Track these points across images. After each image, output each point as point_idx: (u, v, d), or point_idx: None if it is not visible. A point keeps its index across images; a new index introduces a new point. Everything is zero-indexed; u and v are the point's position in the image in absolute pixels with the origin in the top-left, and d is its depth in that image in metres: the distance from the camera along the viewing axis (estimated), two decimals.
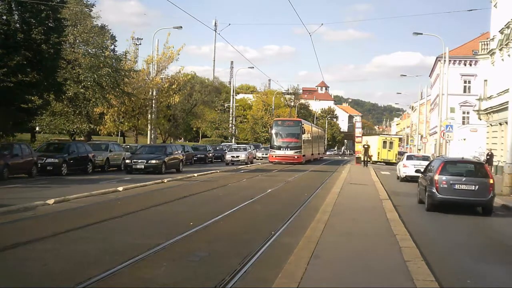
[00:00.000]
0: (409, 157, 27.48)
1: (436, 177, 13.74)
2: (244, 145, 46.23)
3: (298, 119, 51.05)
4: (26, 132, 36.75)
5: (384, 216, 11.67)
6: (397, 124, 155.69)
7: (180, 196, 15.44)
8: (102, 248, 8.00)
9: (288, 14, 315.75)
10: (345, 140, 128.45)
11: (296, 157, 38.91)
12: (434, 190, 13.72)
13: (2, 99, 21.70)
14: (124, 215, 11.40)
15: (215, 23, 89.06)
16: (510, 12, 31.05)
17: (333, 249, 7.92)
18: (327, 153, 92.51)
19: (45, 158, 22.01)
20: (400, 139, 72.04)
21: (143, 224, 10.61)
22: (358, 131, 48.42)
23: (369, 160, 40.82)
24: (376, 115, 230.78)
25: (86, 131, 33.75)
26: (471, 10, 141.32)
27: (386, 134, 76.74)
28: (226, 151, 43.54)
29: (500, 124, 32.07)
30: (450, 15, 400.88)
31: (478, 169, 14.33)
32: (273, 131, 40.96)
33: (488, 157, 32.61)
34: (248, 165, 36.44)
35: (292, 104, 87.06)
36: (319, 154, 53.67)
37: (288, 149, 39.06)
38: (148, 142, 37.69)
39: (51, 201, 12.68)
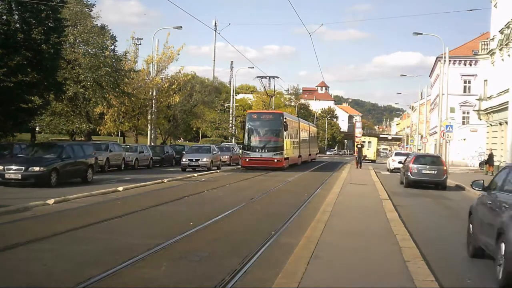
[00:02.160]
0: (397, 154, 37.38)
1: (410, 165, 21.28)
2: (209, 145, 34.31)
3: (279, 111, 38.10)
4: (26, 132, 36.70)
5: (384, 216, 11.67)
6: (397, 124, 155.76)
7: (180, 196, 15.43)
8: (102, 248, 8.00)
9: (288, 14, 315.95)
10: (345, 140, 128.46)
11: (276, 160, 29.59)
12: (409, 174, 21.14)
13: (2, 99, 21.69)
14: (124, 215, 11.40)
15: (215, 23, 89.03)
16: (510, 12, 31.05)
17: (333, 249, 7.91)
18: (327, 153, 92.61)
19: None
20: (379, 139, 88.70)
21: (143, 224, 10.61)
22: (358, 131, 48.73)
23: (363, 160, 38.16)
24: (376, 115, 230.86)
25: (86, 131, 33.76)
26: (471, 10, 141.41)
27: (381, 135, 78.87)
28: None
29: (500, 124, 32.07)
30: (450, 15, 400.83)
31: (437, 160, 21.92)
32: (247, 127, 30.89)
33: (488, 157, 32.71)
34: (209, 172, 26.48)
35: (293, 104, 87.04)
36: (310, 155, 44.86)
37: (266, 150, 29.88)
38: (148, 142, 37.71)
39: (51, 201, 12.68)
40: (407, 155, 30.65)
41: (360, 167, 34.97)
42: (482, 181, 8.42)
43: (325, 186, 20.37)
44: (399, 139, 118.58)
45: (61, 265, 6.91)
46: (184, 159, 28.48)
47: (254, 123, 30.94)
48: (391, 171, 33.51)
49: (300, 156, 37.33)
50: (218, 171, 28.38)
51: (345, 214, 11.74)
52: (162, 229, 9.91)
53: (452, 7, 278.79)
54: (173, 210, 12.77)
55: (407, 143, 79.13)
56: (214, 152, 30.27)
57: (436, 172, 20.94)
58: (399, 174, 26.08)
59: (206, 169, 27.65)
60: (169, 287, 6.15)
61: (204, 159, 28.31)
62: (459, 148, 43.70)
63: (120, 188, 16.56)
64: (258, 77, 35.94)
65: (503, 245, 6.20)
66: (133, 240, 8.71)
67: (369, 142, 63.45)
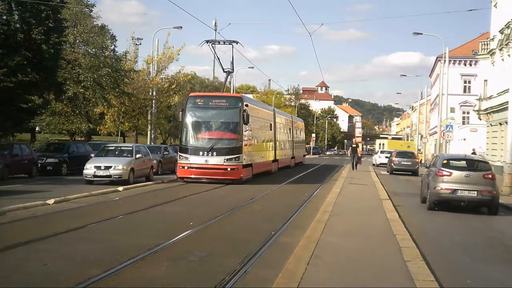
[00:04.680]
0: (382, 152, 46.17)
1: (393, 158, 32.20)
2: (131, 144, 22.81)
3: (236, 94, 27.57)
4: (26, 132, 36.75)
5: (384, 216, 11.67)
6: (397, 124, 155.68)
7: (180, 196, 15.42)
8: (102, 248, 8.00)
9: (288, 14, 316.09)
10: (345, 140, 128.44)
11: (229, 169, 19.77)
12: (392, 164, 32.00)
13: (2, 99, 21.71)
14: (124, 215, 11.39)
15: (215, 23, 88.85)
16: (510, 12, 31.03)
17: (333, 249, 7.91)
18: (327, 153, 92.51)
19: (45, 158, 21.94)
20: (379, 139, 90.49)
21: (143, 224, 10.60)
22: (358, 131, 48.67)
23: (358, 161, 33.59)
24: (376, 115, 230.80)
25: (86, 131, 33.77)
26: (471, 10, 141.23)
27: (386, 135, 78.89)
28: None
29: (500, 124, 32.06)
30: (450, 15, 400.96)
31: (412, 155, 33.57)
32: (186, 117, 20.58)
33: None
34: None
35: (293, 104, 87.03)
36: (293, 158, 34.47)
37: (214, 153, 19.76)
38: (148, 142, 37.69)
39: (51, 201, 12.67)
40: (389, 152, 40.70)
41: (356, 168, 31.26)
42: (425, 164, 22.29)
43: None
44: (399, 139, 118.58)
45: (61, 265, 6.91)
46: (88, 167, 18.50)
47: (198, 111, 20.64)
48: (377, 165, 40.00)
49: (275, 160, 27.80)
50: (150, 183, 19.49)
51: (345, 214, 11.73)
52: (162, 229, 9.90)
53: (452, 7, 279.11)
54: (173, 210, 12.77)
55: None
56: (138, 156, 19.76)
57: (411, 163, 31.61)
58: (385, 168, 35.63)
59: (123, 181, 18.23)
60: (169, 287, 6.14)
61: (119, 167, 18.42)
62: (459, 148, 43.61)
63: (120, 188, 16.56)
64: (208, 41, 22.92)
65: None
66: (133, 240, 8.70)
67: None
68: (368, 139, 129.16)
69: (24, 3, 22.51)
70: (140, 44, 57.82)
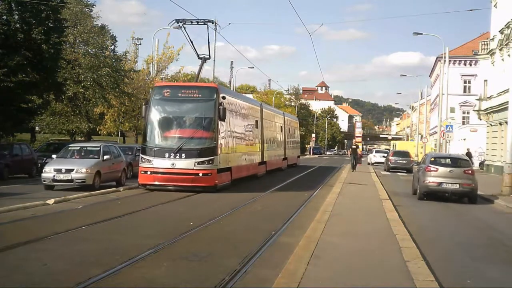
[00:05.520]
0: (377, 151, 51.47)
1: (390, 157, 35.13)
2: (98, 144, 19.08)
3: (211, 84, 22.04)
4: (26, 132, 36.74)
5: (384, 216, 11.67)
6: (397, 124, 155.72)
7: (180, 196, 15.42)
8: (102, 248, 8.00)
9: (289, 14, 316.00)
10: (345, 140, 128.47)
11: (201, 174, 16.39)
12: (389, 163, 34.42)
13: (2, 99, 21.72)
14: (124, 215, 11.39)
15: (215, 23, 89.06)
16: (510, 12, 31.04)
17: (333, 249, 7.91)
18: (327, 153, 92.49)
19: (45, 158, 21.88)
20: (378, 139, 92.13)
21: (143, 224, 10.60)
22: (358, 131, 48.71)
23: (358, 162, 32.75)
24: (376, 115, 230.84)
25: (86, 131, 33.78)
26: (471, 10, 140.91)
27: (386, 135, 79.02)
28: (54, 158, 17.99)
29: (500, 124, 32.06)
30: (450, 15, 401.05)
31: (406, 154, 36.08)
32: (151, 113, 17.24)
33: (466, 155, 33.35)
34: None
35: (293, 104, 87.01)
36: (285, 159, 31.47)
37: (183, 155, 16.38)
38: None
39: (51, 201, 12.67)
40: (385, 151, 48.41)
41: (354, 169, 29.98)
42: (417, 161, 31.83)
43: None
44: (399, 139, 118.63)
45: (61, 265, 6.90)
46: (47, 169, 16.18)
47: (165, 104, 17.25)
48: (372, 164, 42.50)
49: (263, 163, 24.34)
50: (121, 189, 16.62)
51: (345, 214, 11.73)
52: (162, 229, 9.91)
53: (452, 7, 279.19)
54: (173, 210, 12.76)
55: None
56: (106, 158, 17.27)
57: (406, 161, 34.28)
58: (380, 166, 39.01)
59: (87, 186, 15.99)
60: (169, 287, 6.14)
61: (83, 170, 16.02)
62: (459, 148, 43.59)
63: (121, 188, 16.55)
64: (178, 21, 19.17)
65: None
66: (133, 240, 8.70)
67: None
68: (368, 139, 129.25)
69: (24, 3, 22.52)
70: (140, 44, 57.88)
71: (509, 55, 31.39)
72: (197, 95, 17.21)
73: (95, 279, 6.18)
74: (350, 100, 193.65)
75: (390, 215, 11.82)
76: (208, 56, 20.20)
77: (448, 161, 17.15)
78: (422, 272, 6.63)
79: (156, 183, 16.36)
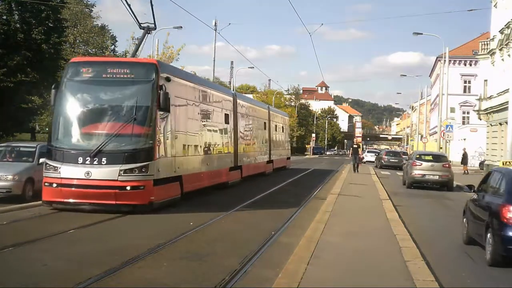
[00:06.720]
0: (369, 151, 56.05)
1: (383, 156, 40.17)
2: (34, 144, 15.12)
3: (149, 60, 17.61)
4: (26, 132, 36.73)
5: (384, 216, 11.67)
6: (397, 124, 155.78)
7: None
8: (102, 248, 7.99)
9: (289, 14, 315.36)
10: (345, 140, 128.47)
11: (129, 188, 11.10)
12: (382, 161, 38.89)
13: (2, 99, 21.72)
14: (124, 215, 11.38)
15: (215, 23, 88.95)
16: (510, 12, 31.02)
17: (333, 249, 7.91)
18: (327, 153, 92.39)
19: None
20: (378, 139, 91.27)
21: (142, 224, 10.58)
22: (358, 131, 48.69)
23: (360, 162, 30.94)
24: (376, 115, 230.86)
25: None
26: (471, 10, 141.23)
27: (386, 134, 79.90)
28: None
29: (500, 124, 32.05)
30: (450, 15, 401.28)
31: (398, 153, 42.31)
32: (62, 100, 11.76)
33: (462, 156, 34.84)
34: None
35: (293, 104, 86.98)
36: (270, 162, 26.38)
37: (103, 160, 11.12)
38: None
39: None
40: (376, 151, 54.28)
41: (358, 171, 28.54)
42: (406, 157, 34.68)
43: None
44: (399, 139, 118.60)
45: (61, 265, 6.90)
46: None
47: (82, 88, 12.11)
48: (364, 162, 46.14)
49: (237, 167, 19.45)
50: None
51: (345, 214, 11.74)
52: (162, 229, 9.90)
53: (452, 7, 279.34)
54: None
55: (407, 143, 79.07)
56: (42, 161, 12.33)
57: (397, 160, 37.58)
58: (371, 164, 42.04)
59: (15, 196, 12.58)
60: (169, 287, 6.14)
61: (8, 177, 12.69)
62: (459, 148, 43.61)
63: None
64: None
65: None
66: (133, 240, 8.70)
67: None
68: (368, 139, 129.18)
69: (24, 3, 22.53)
70: None
71: (509, 55, 31.39)
72: (129, 75, 11.99)
73: (95, 279, 6.13)
74: (350, 100, 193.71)
75: (390, 215, 11.82)
76: (154, 27, 14.84)
77: (430, 157, 21.57)
78: (422, 272, 6.63)
79: (65, 200, 11.32)
